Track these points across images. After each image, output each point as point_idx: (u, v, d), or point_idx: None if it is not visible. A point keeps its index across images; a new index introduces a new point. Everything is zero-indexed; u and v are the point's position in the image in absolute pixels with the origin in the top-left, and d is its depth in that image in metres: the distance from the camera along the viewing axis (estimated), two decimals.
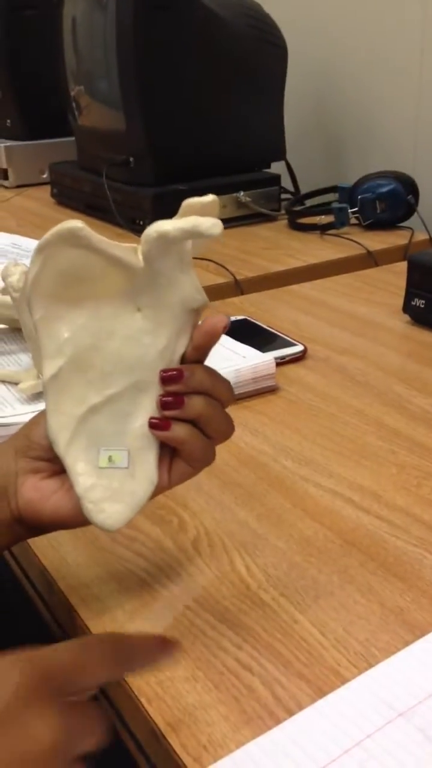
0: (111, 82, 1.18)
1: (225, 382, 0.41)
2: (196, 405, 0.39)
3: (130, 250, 0.39)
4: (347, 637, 0.42)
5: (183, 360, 0.40)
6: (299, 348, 0.77)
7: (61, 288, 0.39)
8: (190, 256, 0.40)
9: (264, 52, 1.22)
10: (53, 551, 0.50)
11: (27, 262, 1.17)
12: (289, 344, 0.77)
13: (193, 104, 1.18)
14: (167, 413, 0.40)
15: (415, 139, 1.24)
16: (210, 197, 0.39)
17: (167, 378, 0.40)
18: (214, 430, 0.40)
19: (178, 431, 0.40)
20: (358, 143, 1.37)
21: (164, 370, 0.40)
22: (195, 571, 0.48)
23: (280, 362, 0.74)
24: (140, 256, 0.39)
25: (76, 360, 0.40)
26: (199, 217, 0.37)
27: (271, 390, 0.70)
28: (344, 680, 0.39)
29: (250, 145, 1.25)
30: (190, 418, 0.40)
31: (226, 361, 0.69)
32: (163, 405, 0.40)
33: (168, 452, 0.41)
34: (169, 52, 1.14)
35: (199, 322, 0.40)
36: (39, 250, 0.38)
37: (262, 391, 0.70)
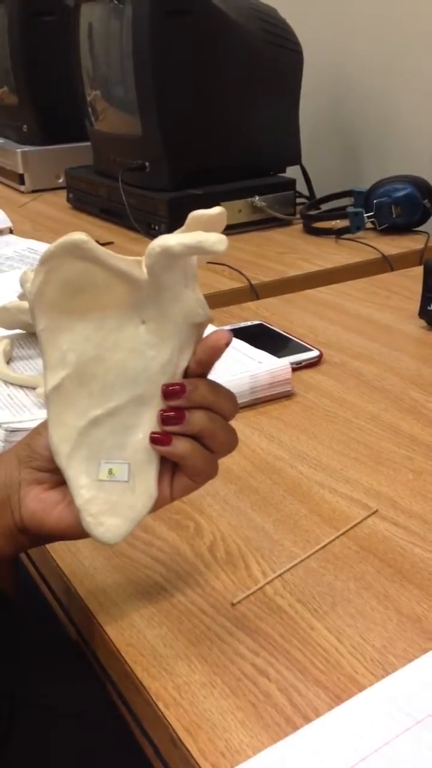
0: (127, 87, 1.18)
1: (228, 395, 0.41)
2: (197, 420, 0.39)
3: (134, 263, 0.39)
4: (364, 644, 0.42)
5: (186, 374, 0.40)
6: (315, 353, 0.77)
7: (64, 299, 0.39)
8: (195, 270, 0.40)
9: (279, 56, 1.22)
10: (71, 555, 0.50)
11: None
12: (305, 349, 0.77)
13: (208, 109, 1.18)
14: (168, 428, 0.40)
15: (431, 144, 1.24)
16: (217, 210, 0.39)
17: (169, 392, 0.39)
18: (216, 445, 0.40)
19: (179, 446, 0.39)
20: (374, 147, 1.36)
21: (166, 385, 0.40)
22: (211, 576, 0.48)
23: (296, 367, 0.74)
24: (144, 270, 0.39)
25: (79, 371, 0.40)
26: (203, 233, 0.37)
27: (287, 395, 0.70)
28: (361, 687, 0.39)
29: (265, 149, 1.26)
30: (192, 434, 0.40)
31: (241, 367, 0.69)
32: (164, 420, 0.40)
33: (169, 465, 0.41)
34: (184, 58, 1.14)
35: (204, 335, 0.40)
36: (43, 262, 0.38)
37: (278, 396, 0.70)
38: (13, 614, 0.60)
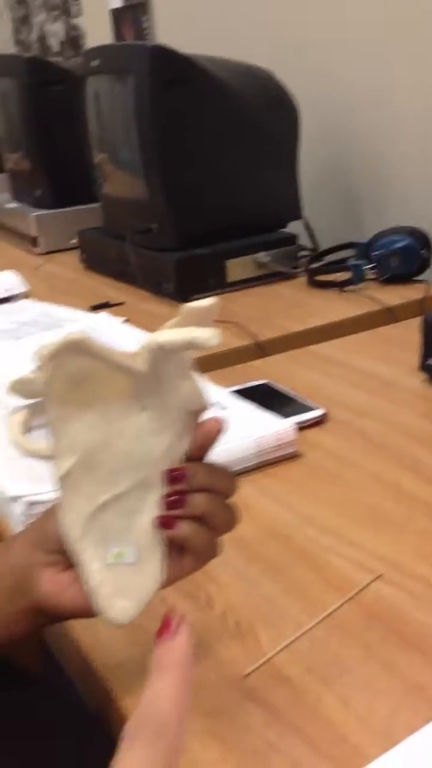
0: (133, 152, 1.23)
1: (226, 475, 0.44)
2: (199, 503, 0.42)
3: (133, 356, 0.42)
4: (370, 715, 0.44)
5: (187, 457, 0.43)
6: (320, 412, 0.79)
7: (71, 391, 0.42)
8: (191, 361, 0.43)
9: (277, 117, 1.27)
10: (88, 629, 0.52)
11: (57, 332, 1.20)
12: (310, 408, 0.80)
13: (211, 172, 1.23)
14: (171, 512, 0.42)
15: (429, 195, 1.27)
16: (209, 302, 0.42)
17: (171, 477, 0.42)
18: (217, 524, 0.43)
19: (183, 529, 0.42)
20: (373, 200, 1.40)
21: (169, 470, 0.42)
22: (222, 647, 0.50)
23: (301, 426, 0.76)
24: (142, 362, 0.41)
25: (86, 459, 0.43)
26: (196, 329, 0.40)
27: (293, 456, 0.73)
28: (368, 759, 0.40)
29: (267, 206, 1.30)
30: (194, 516, 0.42)
31: (248, 430, 0.72)
32: (168, 505, 0.42)
33: (174, 546, 0.43)
34: (185, 124, 1.19)
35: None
36: (50, 358, 0.41)
37: (285, 457, 0.72)
38: (35, 688, 0.62)
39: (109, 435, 0.43)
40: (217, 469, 0.43)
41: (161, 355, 0.41)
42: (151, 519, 0.43)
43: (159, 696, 0.34)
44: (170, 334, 0.40)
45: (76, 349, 0.40)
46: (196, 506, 0.42)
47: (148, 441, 0.43)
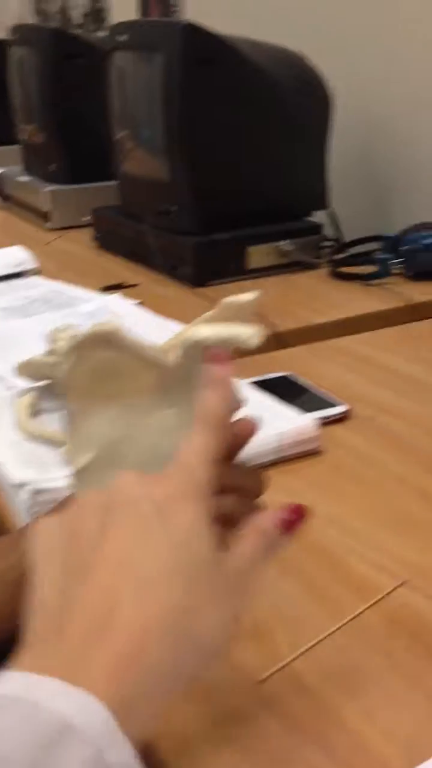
0: (156, 131, 1.20)
1: (255, 476, 0.42)
2: (226, 505, 0.40)
3: (164, 350, 0.39)
4: (394, 728, 0.41)
5: None
6: (343, 408, 0.76)
7: (94, 384, 0.40)
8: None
9: (308, 103, 1.24)
10: None
11: (68, 311, 1.17)
12: (332, 404, 0.77)
13: (236, 156, 1.20)
14: None
15: None
16: (250, 296, 0.40)
17: None
18: None
19: None
20: (403, 193, 1.37)
21: None
22: (239, 650, 0.47)
23: (323, 422, 0.74)
24: (175, 357, 0.39)
25: (108, 452, 0.40)
26: (238, 326, 0.38)
27: (314, 452, 0.70)
28: None
29: (293, 194, 1.26)
30: (222, 518, 0.40)
31: (268, 424, 0.69)
32: None
33: None
34: (213, 105, 1.16)
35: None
36: (73, 349, 0.39)
37: (305, 453, 0.70)
38: None
39: (134, 429, 0.41)
40: (245, 470, 0.42)
41: (197, 352, 0.38)
42: None
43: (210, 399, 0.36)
44: (210, 330, 0.38)
45: (105, 341, 0.38)
46: (223, 508, 0.40)
47: (176, 437, 0.40)
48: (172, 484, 0.34)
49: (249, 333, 0.38)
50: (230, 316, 0.40)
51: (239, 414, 0.41)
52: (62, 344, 0.68)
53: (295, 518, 0.37)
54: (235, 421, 0.41)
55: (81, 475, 0.41)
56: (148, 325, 1.00)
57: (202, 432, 0.36)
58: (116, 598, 0.31)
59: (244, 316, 0.41)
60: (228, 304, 0.40)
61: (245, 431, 0.41)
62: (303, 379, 0.82)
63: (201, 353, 0.39)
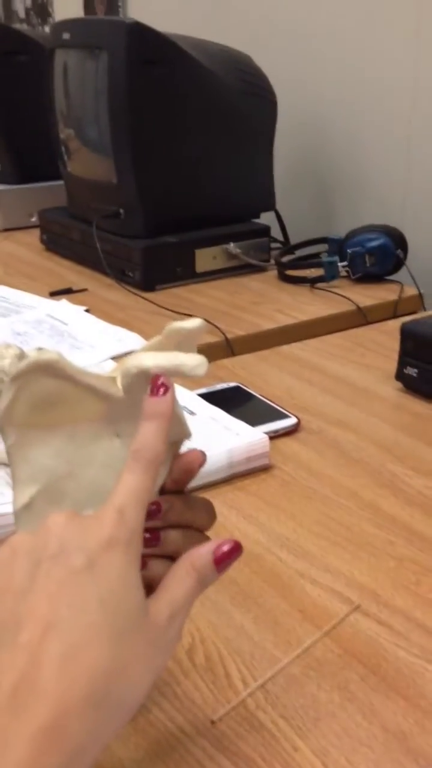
0: (102, 131, 1.17)
1: (204, 508, 0.40)
2: (173, 540, 0.39)
3: (108, 380, 0.38)
4: (350, 767, 0.41)
5: (162, 490, 0.39)
6: (293, 421, 0.76)
7: (35, 415, 0.38)
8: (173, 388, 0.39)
9: (254, 104, 1.22)
10: None
11: (15, 318, 1.13)
12: (282, 416, 0.76)
13: (183, 157, 1.18)
14: (144, 551, 0.38)
15: (404, 194, 1.25)
16: (196, 323, 0.38)
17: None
18: None
19: (155, 569, 0.38)
20: (349, 195, 1.37)
21: None
22: (190, 687, 0.46)
23: (273, 436, 0.73)
24: (119, 386, 0.38)
25: (50, 489, 0.39)
26: (182, 354, 0.36)
27: (264, 468, 0.69)
28: None
29: (239, 196, 1.25)
30: (168, 554, 0.39)
31: (219, 440, 0.68)
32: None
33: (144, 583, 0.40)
34: (160, 106, 1.13)
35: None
36: (13, 380, 0.37)
37: (255, 470, 0.69)
38: None
39: (75, 463, 0.39)
40: (194, 502, 0.40)
41: (142, 381, 0.36)
42: None
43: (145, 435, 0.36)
44: (156, 359, 0.36)
45: (47, 370, 0.36)
46: (171, 544, 0.39)
47: (119, 470, 0.39)
48: (102, 530, 0.33)
49: (194, 363, 0.36)
50: (175, 344, 0.39)
51: (187, 443, 0.40)
52: (8, 362, 0.66)
53: (231, 557, 0.36)
54: (183, 453, 0.40)
55: (23, 513, 0.39)
56: (95, 333, 0.98)
57: (135, 471, 0.35)
58: (41, 661, 0.30)
59: (191, 344, 0.40)
60: (174, 330, 0.38)
61: (194, 463, 0.40)
62: (251, 391, 0.81)
63: (145, 383, 0.37)
